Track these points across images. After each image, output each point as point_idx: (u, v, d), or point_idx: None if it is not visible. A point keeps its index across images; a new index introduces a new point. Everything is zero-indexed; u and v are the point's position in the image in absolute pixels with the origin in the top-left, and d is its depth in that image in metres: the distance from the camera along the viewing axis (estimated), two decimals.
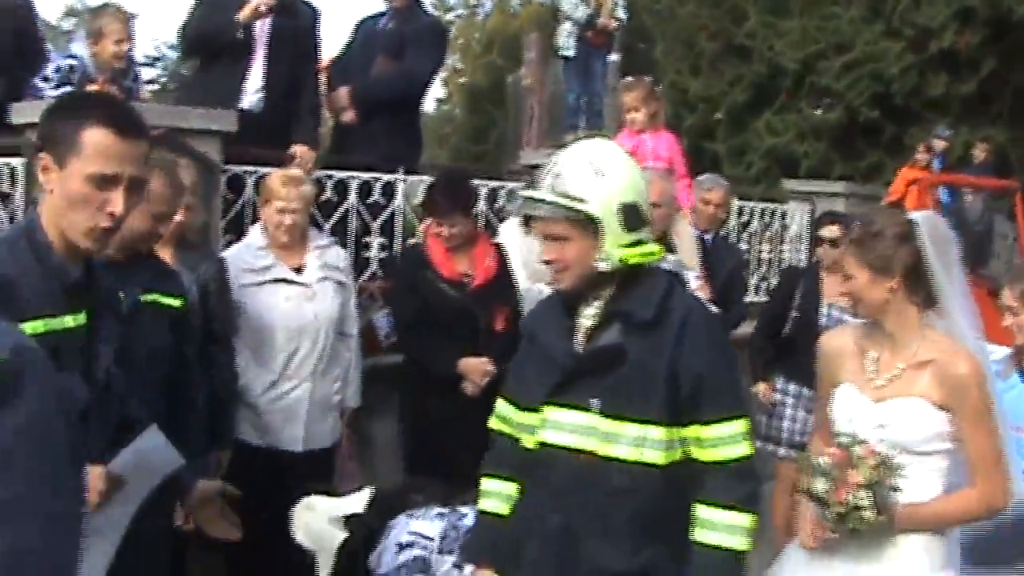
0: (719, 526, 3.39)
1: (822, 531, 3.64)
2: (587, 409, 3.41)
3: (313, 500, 4.78)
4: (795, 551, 3.87)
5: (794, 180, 11.42)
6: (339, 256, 5.88)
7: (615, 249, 3.35)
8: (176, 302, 4.30)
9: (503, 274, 5.96)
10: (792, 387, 6.89)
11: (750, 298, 9.06)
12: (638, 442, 3.36)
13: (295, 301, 5.52)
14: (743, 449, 3.42)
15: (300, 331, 5.50)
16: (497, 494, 3.74)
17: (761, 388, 7.00)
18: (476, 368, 5.74)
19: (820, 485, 3.54)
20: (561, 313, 3.56)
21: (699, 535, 3.41)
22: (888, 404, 3.65)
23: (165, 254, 4.97)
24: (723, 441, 3.40)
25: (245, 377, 5.39)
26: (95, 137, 2.90)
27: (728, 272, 6.99)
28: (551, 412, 3.48)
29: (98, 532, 3.21)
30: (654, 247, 3.49)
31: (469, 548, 3.97)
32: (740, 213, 9.56)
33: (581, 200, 3.32)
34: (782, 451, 6.92)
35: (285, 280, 5.53)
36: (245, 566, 5.59)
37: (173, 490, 3.53)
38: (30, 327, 2.78)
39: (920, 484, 3.59)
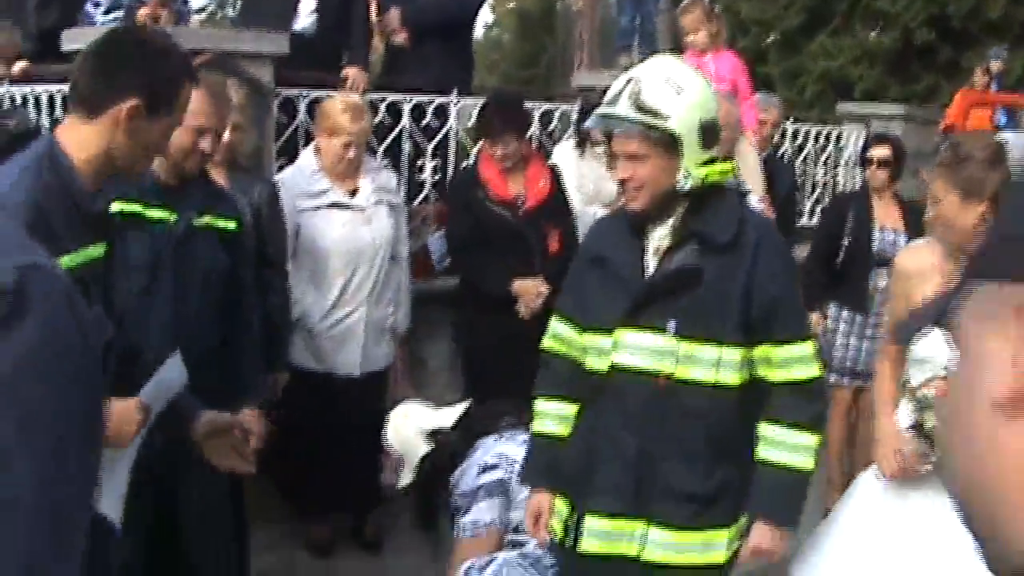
0: (787, 445, 3.42)
1: (916, 464, 3.55)
2: (663, 331, 3.37)
3: (410, 407, 4.81)
4: (870, 480, 3.79)
5: (849, 103, 11.23)
6: (391, 179, 5.90)
7: (694, 167, 3.31)
8: (230, 224, 4.25)
9: (557, 196, 5.94)
10: (845, 313, 6.81)
11: (805, 222, 9.00)
12: (714, 364, 3.36)
13: (352, 225, 5.53)
14: (812, 370, 3.43)
15: (358, 255, 5.52)
16: (553, 415, 3.70)
17: (813, 318, 6.91)
18: (530, 289, 5.73)
19: (930, 419, 3.45)
20: (630, 234, 3.49)
21: (765, 453, 3.43)
22: None
23: (217, 178, 4.98)
24: (793, 362, 3.40)
25: (303, 304, 5.41)
26: (187, 95, 3.06)
27: (785, 192, 6.97)
28: (624, 334, 3.42)
29: (112, 462, 3.16)
30: (728, 165, 3.48)
31: (526, 471, 3.91)
32: (795, 136, 9.44)
33: (663, 116, 3.26)
34: (834, 377, 6.87)
35: (341, 204, 5.53)
36: (299, 489, 5.65)
37: (175, 419, 3.47)
38: (64, 260, 2.77)
39: None
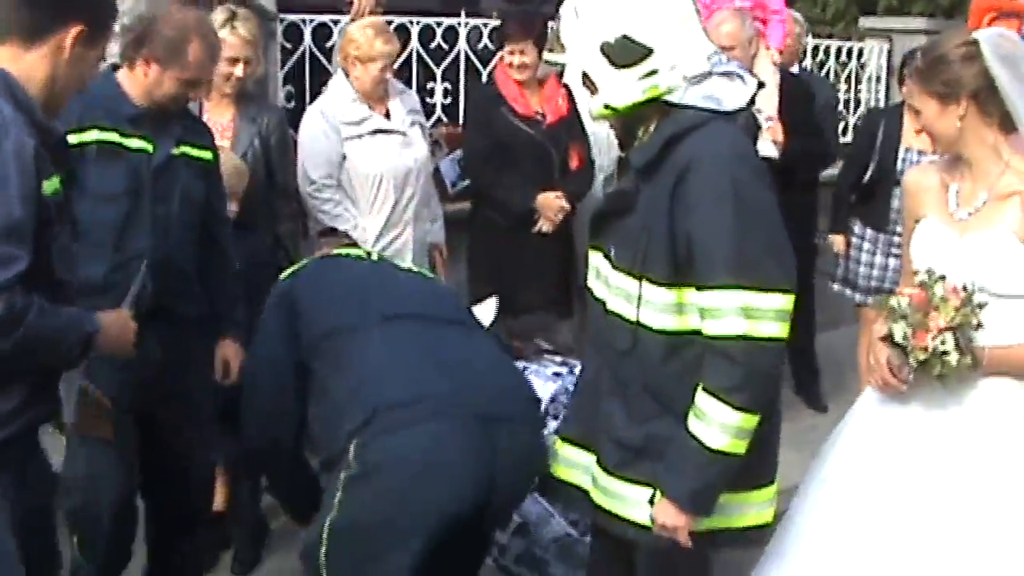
0: (702, 415, 3.00)
1: (898, 375, 3.35)
2: (608, 257, 3.20)
3: None
4: (869, 395, 3.62)
5: (871, 17, 11.00)
6: (415, 100, 5.93)
7: (618, 90, 3.06)
8: (206, 154, 4.23)
9: (575, 113, 5.91)
10: (869, 232, 6.68)
11: None
12: (635, 300, 3.07)
13: (396, 149, 5.57)
14: (736, 327, 2.93)
15: (405, 178, 5.54)
16: None
17: (837, 241, 6.82)
18: (552, 204, 5.81)
19: (899, 330, 3.25)
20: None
21: (688, 418, 3.04)
22: (971, 237, 3.34)
23: (227, 109, 5.08)
24: (712, 312, 2.97)
25: (356, 233, 5.38)
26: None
27: (822, 107, 6.85)
28: (591, 255, 3.32)
29: None
30: (658, 83, 3.06)
31: None
32: (815, 53, 9.26)
33: (564, 51, 3.13)
34: (859, 296, 6.76)
35: (383, 130, 5.55)
36: None
37: None
38: (54, 181, 2.84)
39: (1006, 328, 3.27)
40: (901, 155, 6.49)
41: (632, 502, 3.17)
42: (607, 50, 3.03)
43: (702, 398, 2.98)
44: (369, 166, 5.46)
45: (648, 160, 3.06)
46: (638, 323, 3.08)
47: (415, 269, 4.47)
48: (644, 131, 3.15)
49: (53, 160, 2.87)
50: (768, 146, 6.03)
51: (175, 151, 4.04)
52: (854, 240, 6.76)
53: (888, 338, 3.32)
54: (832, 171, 7.22)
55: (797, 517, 3.61)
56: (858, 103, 9.65)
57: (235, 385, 4.24)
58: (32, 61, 2.89)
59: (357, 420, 3.34)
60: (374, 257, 4.21)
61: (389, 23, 6.47)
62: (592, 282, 3.30)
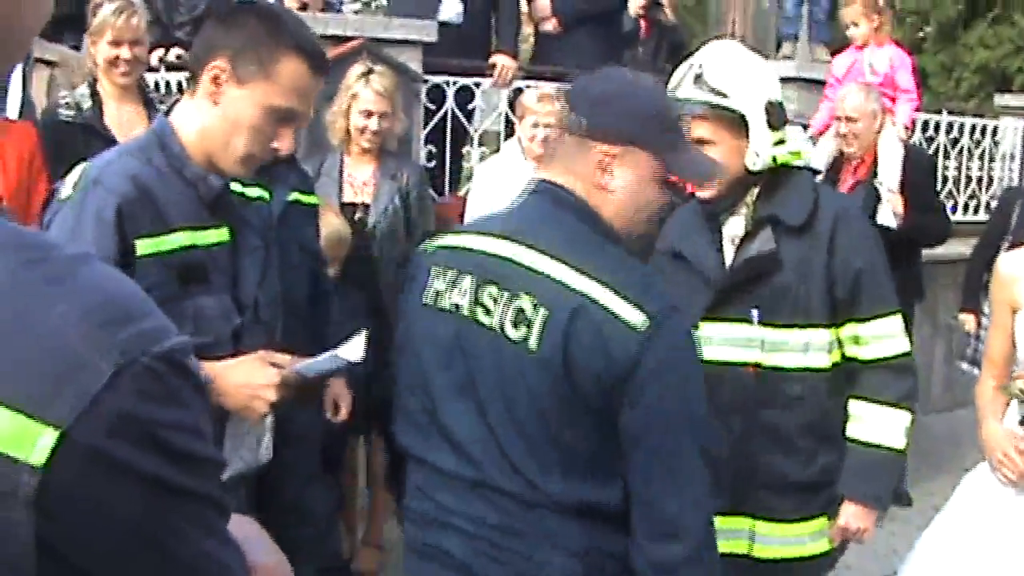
0: (879, 424, 3.33)
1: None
2: (748, 321, 3.28)
3: None
4: (984, 473, 3.59)
5: (1008, 95, 10.92)
6: None
7: (763, 148, 3.21)
8: (316, 199, 4.41)
9: None
10: None
11: (960, 216, 8.81)
12: (802, 348, 3.29)
13: None
14: (901, 345, 3.35)
15: None
16: None
17: (967, 320, 6.76)
18: None
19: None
20: (704, 225, 3.41)
21: (857, 432, 3.35)
22: None
23: (367, 164, 5.15)
24: (880, 338, 3.33)
25: None
26: (291, 69, 2.64)
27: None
28: (708, 328, 3.29)
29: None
30: (799, 147, 3.38)
31: None
32: (949, 129, 9.21)
33: (725, 95, 3.19)
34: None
35: None
36: None
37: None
38: (175, 239, 2.66)
39: None
40: None
41: (823, 533, 3.42)
42: (768, 108, 3.22)
43: (876, 410, 3.33)
44: None
45: (801, 221, 3.27)
46: (807, 369, 3.30)
47: (510, 335, 2.62)
48: (751, 194, 3.33)
49: (212, 212, 2.75)
50: (888, 216, 6.06)
51: (289, 198, 4.18)
52: (984, 320, 6.70)
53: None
54: (961, 248, 7.18)
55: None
56: (991, 181, 9.57)
57: (344, 425, 4.37)
58: (190, 108, 2.72)
59: None
60: (464, 312, 2.68)
61: (528, 87, 6.64)
62: (716, 353, 3.24)
